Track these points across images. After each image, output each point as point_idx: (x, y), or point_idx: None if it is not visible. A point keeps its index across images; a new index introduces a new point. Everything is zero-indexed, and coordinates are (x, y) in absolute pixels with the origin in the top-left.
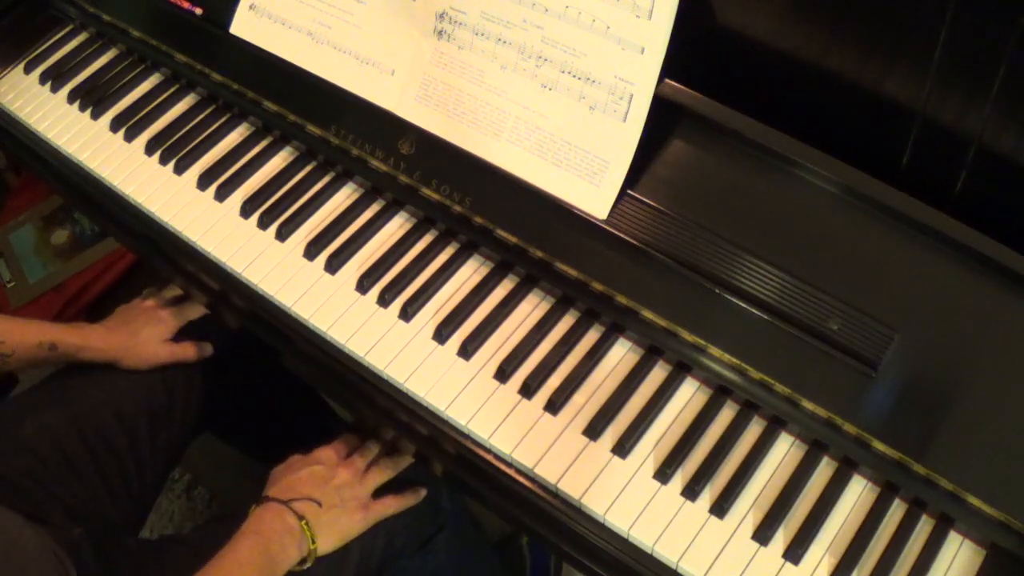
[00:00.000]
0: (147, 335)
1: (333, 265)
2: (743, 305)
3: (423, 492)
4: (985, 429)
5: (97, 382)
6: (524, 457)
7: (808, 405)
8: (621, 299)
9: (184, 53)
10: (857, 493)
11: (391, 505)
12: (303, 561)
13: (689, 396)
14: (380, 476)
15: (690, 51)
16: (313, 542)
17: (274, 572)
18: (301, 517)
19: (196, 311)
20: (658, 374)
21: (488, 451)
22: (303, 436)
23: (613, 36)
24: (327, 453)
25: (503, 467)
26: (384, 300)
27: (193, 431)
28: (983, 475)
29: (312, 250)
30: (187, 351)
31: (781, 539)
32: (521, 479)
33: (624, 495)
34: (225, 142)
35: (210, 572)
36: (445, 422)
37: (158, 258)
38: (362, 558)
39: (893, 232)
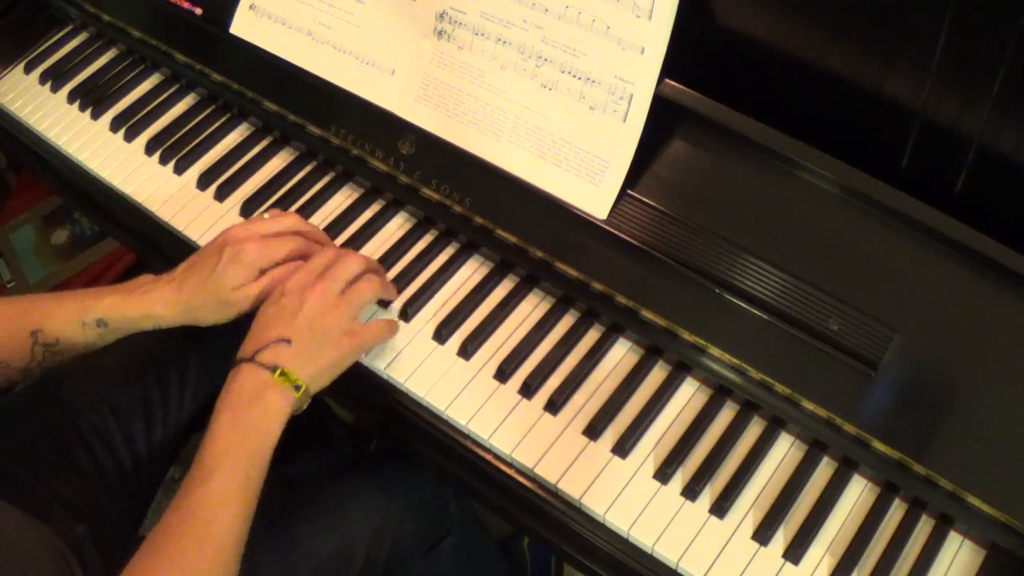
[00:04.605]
0: (232, 276)
1: None
2: (743, 305)
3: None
4: (985, 429)
5: (93, 378)
6: (524, 457)
7: (808, 405)
8: (621, 299)
9: (184, 53)
10: (857, 493)
11: (383, 328)
12: (302, 402)
13: (689, 396)
14: (363, 292)
15: (690, 51)
16: (297, 388)
17: (263, 438)
18: (273, 368)
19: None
20: (658, 374)
21: (488, 451)
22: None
23: (613, 36)
24: (297, 278)
25: (503, 467)
26: (383, 300)
27: (189, 427)
28: (983, 475)
29: None
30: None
31: (781, 539)
32: (521, 479)
33: (624, 495)
34: (225, 142)
35: (196, 480)
36: (445, 422)
37: (158, 258)
38: (367, 562)
39: (893, 232)
